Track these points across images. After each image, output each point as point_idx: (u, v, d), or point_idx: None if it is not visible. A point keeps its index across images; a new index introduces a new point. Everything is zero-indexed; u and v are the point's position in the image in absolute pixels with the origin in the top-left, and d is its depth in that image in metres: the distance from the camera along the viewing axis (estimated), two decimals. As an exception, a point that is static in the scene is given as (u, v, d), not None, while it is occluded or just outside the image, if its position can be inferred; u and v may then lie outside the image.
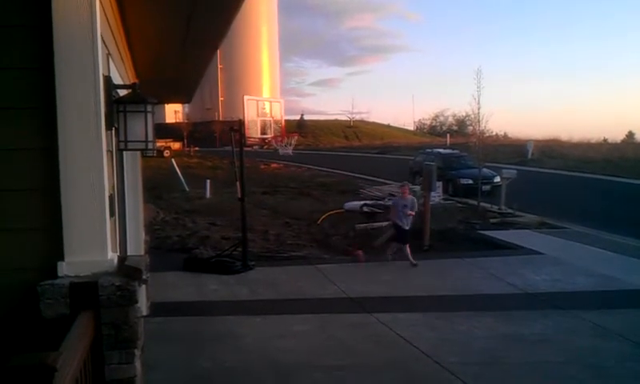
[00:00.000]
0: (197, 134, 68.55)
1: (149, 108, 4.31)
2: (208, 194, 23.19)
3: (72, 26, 3.53)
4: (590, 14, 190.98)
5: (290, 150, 55.97)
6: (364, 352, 7.19)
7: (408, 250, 11.88)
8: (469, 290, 10.04)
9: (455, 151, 29.67)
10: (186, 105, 67.42)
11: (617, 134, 70.11)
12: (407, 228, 11.99)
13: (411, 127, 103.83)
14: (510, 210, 18.28)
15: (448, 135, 67.62)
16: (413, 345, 7.33)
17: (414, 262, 11.70)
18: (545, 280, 10.58)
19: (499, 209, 18.64)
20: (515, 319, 8.44)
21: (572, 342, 7.52)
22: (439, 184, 16.38)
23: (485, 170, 21.27)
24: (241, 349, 7.23)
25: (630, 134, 69.36)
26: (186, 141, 61.88)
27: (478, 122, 21.45)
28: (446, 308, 9.03)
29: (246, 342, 7.49)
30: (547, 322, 8.27)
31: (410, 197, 12.30)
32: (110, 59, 4.59)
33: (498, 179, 21.26)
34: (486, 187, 21.22)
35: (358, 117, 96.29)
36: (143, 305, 7.21)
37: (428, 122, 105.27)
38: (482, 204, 18.86)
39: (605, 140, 59.12)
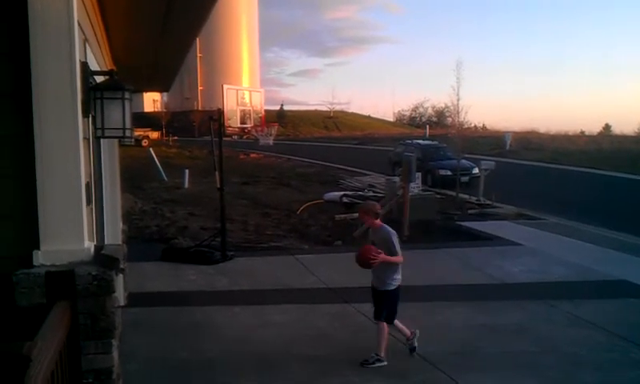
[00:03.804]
0: (175, 123, 68.00)
1: (126, 95, 4.25)
2: (187, 184, 23.06)
3: (48, 10, 3.46)
4: (568, 7, 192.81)
5: (270, 140, 55.76)
6: (343, 342, 7.20)
7: (399, 326, 6.70)
8: (446, 281, 10.09)
9: (434, 142, 29.82)
10: (165, 94, 66.76)
11: (594, 127, 71.05)
12: (388, 288, 6.52)
13: (391, 118, 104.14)
14: (488, 201, 18.42)
15: (427, 126, 67.87)
16: (391, 334, 7.35)
17: (411, 339, 6.70)
18: (522, 270, 10.68)
19: (477, 200, 18.77)
20: (492, 309, 8.50)
21: (548, 331, 7.60)
22: (418, 175, 16.42)
23: (463, 161, 21.41)
24: (220, 339, 7.20)
25: (607, 127, 70.32)
26: (164, 130, 61.35)
27: (457, 113, 21.65)
28: (424, 298, 9.06)
29: (225, 333, 7.46)
30: (524, 312, 8.35)
31: (383, 229, 6.61)
32: (87, 45, 4.52)
33: (476, 170, 21.42)
34: (465, 178, 21.36)
35: (338, 107, 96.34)
36: (121, 295, 7.17)
37: (407, 114, 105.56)
38: (461, 195, 18.96)
39: (582, 132, 59.87)
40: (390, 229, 6.58)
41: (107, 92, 4.23)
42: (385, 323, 6.51)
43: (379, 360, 6.40)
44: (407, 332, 6.65)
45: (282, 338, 7.29)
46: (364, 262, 6.40)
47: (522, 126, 63.54)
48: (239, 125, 74.72)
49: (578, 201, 19.35)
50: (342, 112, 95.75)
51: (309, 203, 18.19)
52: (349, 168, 30.52)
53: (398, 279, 6.51)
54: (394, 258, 6.41)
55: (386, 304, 6.53)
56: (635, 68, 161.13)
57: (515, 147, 40.03)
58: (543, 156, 35.80)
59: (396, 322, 6.62)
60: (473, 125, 59.02)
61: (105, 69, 6.30)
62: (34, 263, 3.50)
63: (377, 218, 6.62)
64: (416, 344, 6.64)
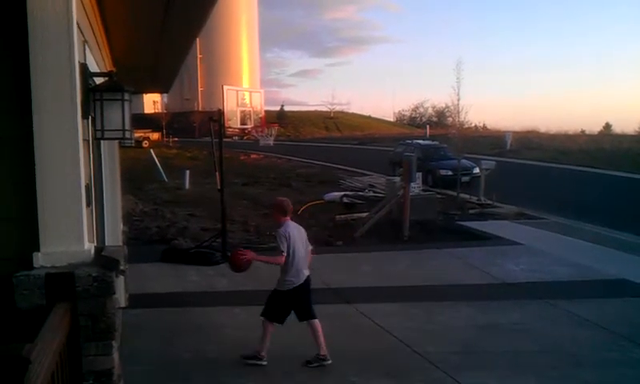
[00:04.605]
0: (176, 124, 67.97)
1: (126, 96, 4.25)
2: (187, 185, 23.06)
3: (47, 12, 3.46)
4: (569, 6, 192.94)
5: (270, 141, 55.78)
6: (344, 342, 7.19)
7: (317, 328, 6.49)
8: (447, 280, 10.09)
9: (435, 142, 29.80)
10: (165, 95, 66.73)
11: (595, 126, 71.08)
12: (279, 288, 6.47)
13: (391, 118, 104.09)
14: (488, 201, 18.41)
15: (428, 126, 67.84)
16: (392, 335, 7.36)
17: (323, 357, 6.38)
18: (523, 270, 10.68)
19: (478, 200, 18.76)
20: (493, 309, 8.50)
21: (549, 331, 7.61)
22: (419, 175, 16.42)
23: (464, 160, 21.40)
24: (221, 340, 7.20)
25: (607, 126, 70.27)
26: (164, 131, 61.32)
27: (458, 113, 21.66)
28: (424, 298, 9.07)
29: (226, 333, 7.47)
30: (525, 312, 8.35)
31: (280, 226, 6.49)
32: (87, 46, 4.51)
33: (476, 170, 21.41)
34: (465, 178, 21.36)
35: (338, 108, 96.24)
36: (121, 296, 7.16)
37: (408, 114, 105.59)
38: (461, 195, 18.97)
39: (582, 131, 59.80)
40: (286, 228, 6.41)
41: (107, 93, 4.23)
42: (269, 323, 6.43)
43: (254, 357, 6.37)
44: (263, 347, 6.37)
45: (282, 339, 7.26)
46: (235, 265, 6.32)
47: (523, 125, 63.54)
48: (239, 126, 74.71)
49: (578, 200, 19.34)
50: (343, 112, 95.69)
51: (309, 203, 18.19)
52: (349, 168, 30.51)
53: (289, 281, 6.35)
54: (263, 258, 6.47)
55: (271, 301, 6.47)
56: (636, 67, 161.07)
57: (516, 147, 40.02)
58: (544, 155, 35.78)
59: (271, 328, 6.44)
60: (473, 124, 59.13)
61: (104, 70, 6.30)
62: (34, 265, 3.50)
63: (284, 215, 6.50)
64: (260, 363, 6.37)
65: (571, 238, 13.50)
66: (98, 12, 5.66)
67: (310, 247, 6.72)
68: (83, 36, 4.27)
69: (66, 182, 3.55)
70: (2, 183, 3.53)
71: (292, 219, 6.72)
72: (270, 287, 9.58)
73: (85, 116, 3.96)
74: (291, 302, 6.45)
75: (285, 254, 6.24)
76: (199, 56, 73.42)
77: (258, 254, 6.54)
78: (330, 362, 6.37)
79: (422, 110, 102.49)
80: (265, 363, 6.37)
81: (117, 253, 3.92)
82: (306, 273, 6.50)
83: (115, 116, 4.24)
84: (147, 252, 11.64)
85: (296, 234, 6.46)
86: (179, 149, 45.82)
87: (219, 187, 11.73)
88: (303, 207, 17.58)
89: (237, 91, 77.97)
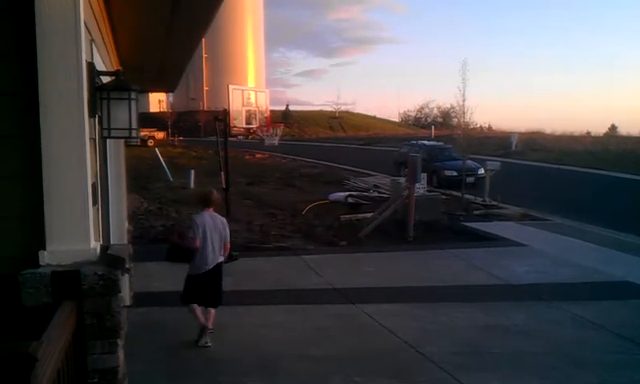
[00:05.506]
0: (181, 123, 68.06)
1: (133, 95, 4.27)
2: (192, 184, 23.08)
3: (55, 11, 3.48)
4: (575, 7, 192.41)
5: (275, 141, 55.75)
6: (347, 342, 7.21)
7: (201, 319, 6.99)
8: (451, 281, 10.08)
9: (440, 143, 29.72)
10: (170, 94, 66.74)
11: (600, 128, 70.92)
12: (188, 272, 7.19)
13: (396, 119, 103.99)
14: (493, 202, 18.38)
15: (433, 127, 67.83)
16: (396, 335, 7.36)
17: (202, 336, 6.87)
18: (527, 271, 10.66)
19: (483, 200, 18.74)
20: (497, 310, 8.49)
21: (553, 332, 7.59)
22: (424, 175, 16.41)
23: (469, 161, 21.36)
24: (225, 339, 7.21)
25: (613, 127, 70.06)
26: (170, 130, 61.38)
27: (463, 114, 21.57)
28: (428, 299, 9.06)
29: (230, 332, 7.48)
30: (528, 313, 8.34)
31: (218, 216, 7.19)
32: (94, 45, 4.54)
33: (482, 171, 21.37)
34: (470, 179, 21.32)
35: (343, 108, 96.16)
36: (126, 295, 7.18)
37: (413, 114, 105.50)
38: (466, 196, 18.94)
39: (588, 133, 59.62)
40: (200, 217, 6.97)
41: (114, 92, 4.25)
42: (192, 305, 7.00)
43: (200, 337, 6.86)
44: (201, 320, 6.92)
45: (286, 338, 7.30)
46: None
47: (528, 126, 63.38)
48: (245, 125, 74.72)
49: (583, 201, 19.30)
50: (348, 112, 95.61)
51: (314, 203, 18.20)
52: (354, 168, 30.48)
53: (194, 266, 7.04)
54: (185, 244, 7.15)
55: (185, 285, 7.14)
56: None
57: (521, 148, 39.92)
58: (549, 157, 35.68)
59: (195, 306, 7.00)
60: (478, 125, 58.91)
61: (111, 69, 6.33)
62: (40, 263, 3.51)
63: (203, 205, 7.09)
64: (204, 342, 6.85)
65: (576, 240, 13.47)
66: (104, 12, 5.68)
67: (227, 239, 7.20)
68: (90, 35, 4.29)
69: (73, 181, 3.57)
70: (8, 181, 3.55)
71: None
72: (272, 288, 9.65)
73: (92, 115, 3.98)
74: (201, 285, 7.00)
75: (195, 239, 6.84)
76: (205, 55, 73.42)
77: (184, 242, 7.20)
78: (208, 344, 6.81)
79: (427, 110, 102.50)
80: (211, 328, 6.89)
81: (122, 251, 3.93)
82: (218, 260, 7.03)
83: (122, 115, 4.26)
84: (152, 251, 11.64)
85: (209, 222, 6.96)
86: (184, 148, 45.83)
87: (224, 187, 11.75)
88: (308, 207, 17.59)
89: (242, 91, 77.97)
